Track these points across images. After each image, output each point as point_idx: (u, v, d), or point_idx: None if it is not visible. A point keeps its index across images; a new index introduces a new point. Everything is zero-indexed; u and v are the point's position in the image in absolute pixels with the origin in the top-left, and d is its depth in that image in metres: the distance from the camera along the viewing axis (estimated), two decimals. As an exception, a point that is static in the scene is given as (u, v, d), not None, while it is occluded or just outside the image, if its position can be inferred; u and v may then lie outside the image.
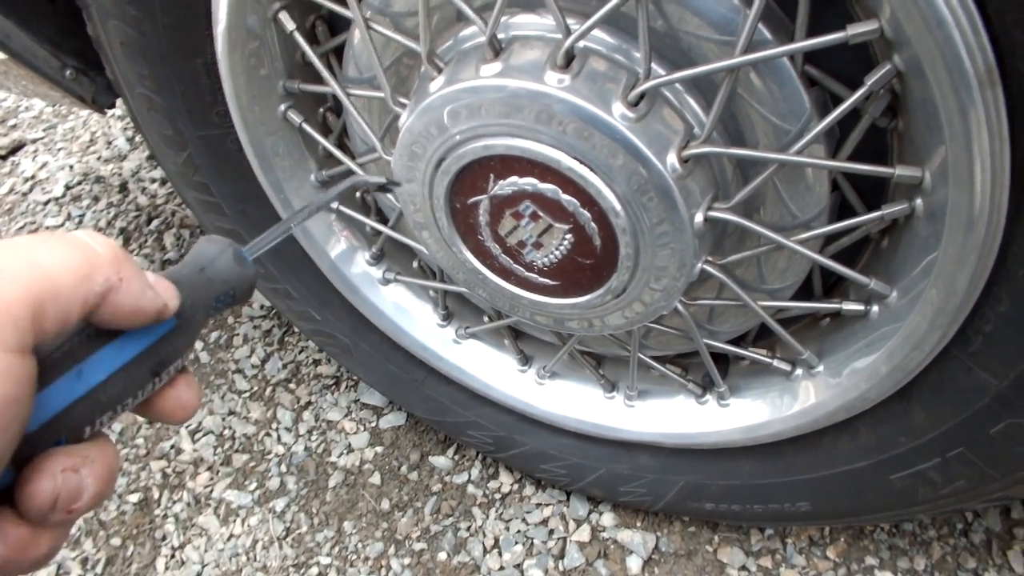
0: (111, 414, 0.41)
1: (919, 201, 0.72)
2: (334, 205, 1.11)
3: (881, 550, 1.23)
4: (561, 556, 1.28)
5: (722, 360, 1.06)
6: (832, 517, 1.08)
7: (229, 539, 1.38)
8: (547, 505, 1.34)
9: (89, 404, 0.39)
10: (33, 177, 2.32)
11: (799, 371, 0.95)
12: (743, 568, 1.23)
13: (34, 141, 2.48)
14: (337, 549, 1.34)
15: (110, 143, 2.39)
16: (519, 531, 1.32)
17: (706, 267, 0.82)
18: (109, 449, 0.40)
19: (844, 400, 0.89)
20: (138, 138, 2.37)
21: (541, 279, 0.88)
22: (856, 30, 0.61)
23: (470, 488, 1.39)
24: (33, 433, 0.37)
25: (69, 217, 2.13)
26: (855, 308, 0.85)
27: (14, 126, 2.57)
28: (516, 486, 1.38)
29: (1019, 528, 1.22)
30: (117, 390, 0.41)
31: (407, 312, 1.20)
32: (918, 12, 0.56)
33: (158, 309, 0.41)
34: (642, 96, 0.70)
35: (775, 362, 0.96)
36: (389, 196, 1.04)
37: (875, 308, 0.83)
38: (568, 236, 0.80)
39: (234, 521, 1.40)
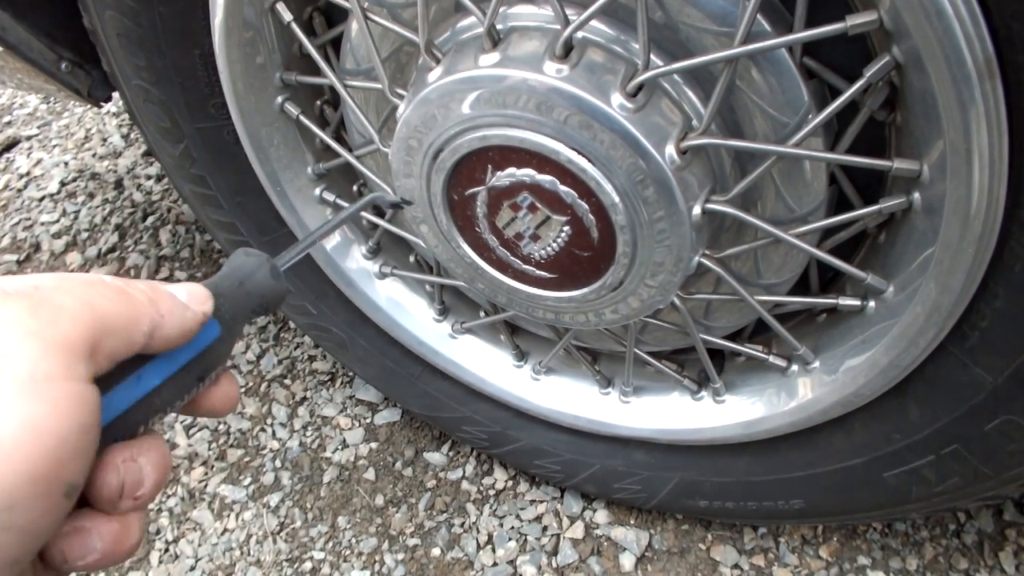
0: (161, 415, 0.45)
1: (917, 195, 0.72)
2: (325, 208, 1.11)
3: (874, 550, 1.23)
4: (554, 553, 1.28)
5: (718, 356, 1.06)
6: (826, 515, 1.08)
7: (223, 533, 1.37)
8: (541, 502, 1.34)
9: (144, 407, 0.43)
10: (28, 174, 2.31)
11: (795, 367, 0.95)
12: (736, 566, 1.23)
13: (29, 138, 2.47)
14: (331, 544, 1.34)
15: (105, 140, 2.38)
16: (513, 527, 1.31)
17: (703, 260, 0.82)
18: (159, 441, 0.44)
19: (839, 396, 0.89)
20: (133, 135, 2.36)
21: (538, 272, 0.88)
22: (855, 21, 0.61)
23: (464, 484, 1.39)
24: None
25: (64, 213, 2.13)
26: (852, 303, 0.85)
27: (9, 123, 2.56)
28: (510, 483, 1.38)
29: (1011, 529, 1.22)
30: (168, 394, 0.44)
31: (403, 307, 1.20)
32: (917, 2, 0.56)
33: (199, 323, 0.44)
34: (640, 87, 0.70)
35: (771, 358, 0.96)
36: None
37: (871, 304, 0.83)
38: (566, 228, 0.80)
39: (228, 516, 1.40)
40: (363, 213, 1.11)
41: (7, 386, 0.34)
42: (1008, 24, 0.55)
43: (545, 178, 0.77)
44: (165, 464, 0.43)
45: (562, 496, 1.34)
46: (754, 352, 0.98)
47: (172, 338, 0.42)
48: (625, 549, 1.27)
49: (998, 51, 0.57)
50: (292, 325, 1.70)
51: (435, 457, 1.43)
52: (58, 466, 0.35)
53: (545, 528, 1.31)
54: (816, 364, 0.91)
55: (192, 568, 1.34)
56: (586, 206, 0.77)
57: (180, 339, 0.43)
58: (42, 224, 2.11)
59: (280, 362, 1.63)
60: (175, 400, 0.45)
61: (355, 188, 1.16)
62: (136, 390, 0.42)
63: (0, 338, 0.35)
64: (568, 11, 0.71)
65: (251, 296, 0.49)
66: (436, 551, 1.30)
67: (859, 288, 0.84)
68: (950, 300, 0.72)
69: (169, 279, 1.89)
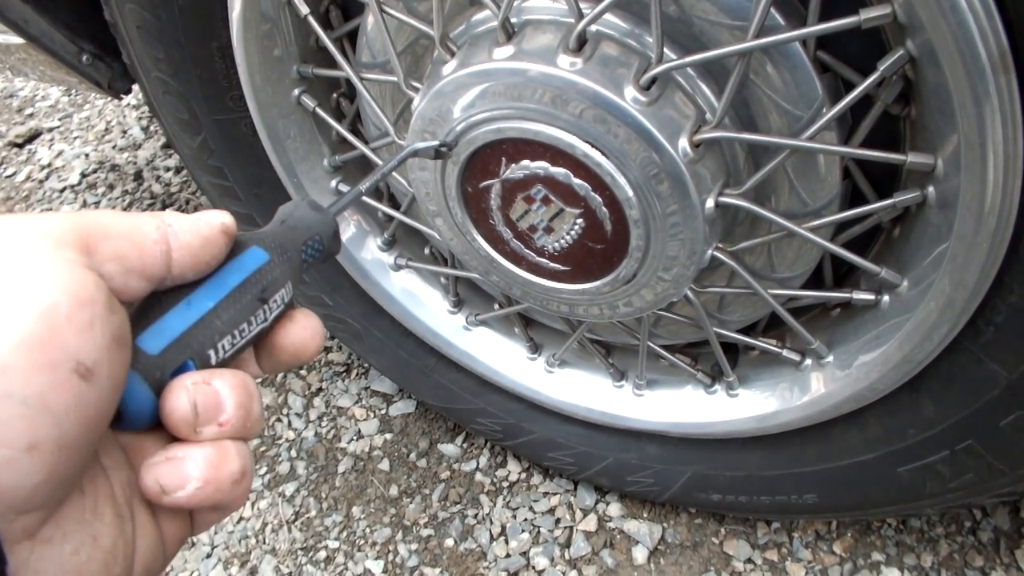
0: (231, 339, 0.44)
1: (931, 189, 0.71)
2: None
3: (888, 546, 1.22)
4: (567, 545, 1.28)
5: (731, 350, 1.06)
6: (839, 510, 1.08)
7: (239, 522, 1.39)
8: (554, 494, 1.35)
9: (205, 329, 0.43)
10: (49, 165, 2.34)
11: (809, 361, 0.95)
12: (749, 561, 1.23)
13: (50, 130, 2.50)
14: (345, 533, 1.35)
15: (125, 132, 2.40)
16: (526, 519, 1.32)
17: (717, 254, 0.82)
18: (240, 372, 0.44)
19: (853, 391, 0.88)
20: (152, 127, 2.38)
21: (552, 264, 0.88)
22: (869, 15, 0.61)
23: (478, 476, 1.39)
24: (157, 356, 0.41)
25: (85, 204, 2.15)
26: (865, 298, 0.84)
27: (31, 115, 2.59)
28: (524, 475, 1.38)
29: (1028, 525, 1.21)
30: (229, 315, 0.44)
31: (418, 298, 1.21)
32: (932, -4, 0.56)
33: (218, 232, 0.44)
34: (654, 80, 0.70)
35: (785, 352, 0.96)
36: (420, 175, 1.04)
37: (886, 298, 0.83)
38: (579, 220, 0.81)
39: (244, 504, 1.41)
40: (378, 205, 1.12)
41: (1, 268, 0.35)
42: (1023, 18, 0.55)
43: (559, 171, 0.77)
44: (247, 390, 0.43)
45: (575, 489, 1.35)
46: (768, 346, 0.98)
47: (193, 246, 0.42)
48: (638, 542, 1.27)
49: (1013, 45, 0.56)
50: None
51: (449, 448, 1.44)
52: (51, 333, 0.34)
53: (558, 520, 1.31)
54: (830, 358, 0.91)
55: (208, 556, 1.35)
56: (599, 199, 0.77)
57: (203, 249, 0.43)
58: (63, 215, 2.13)
59: (296, 353, 1.65)
60: (240, 322, 0.45)
61: (371, 180, 1.17)
62: (189, 313, 0.43)
63: (2, 234, 0.36)
64: (582, 4, 0.71)
65: (296, 230, 0.50)
66: (449, 542, 1.31)
67: (873, 283, 0.84)
68: (964, 295, 0.72)
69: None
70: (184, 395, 0.41)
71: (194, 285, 0.44)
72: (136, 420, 0.41)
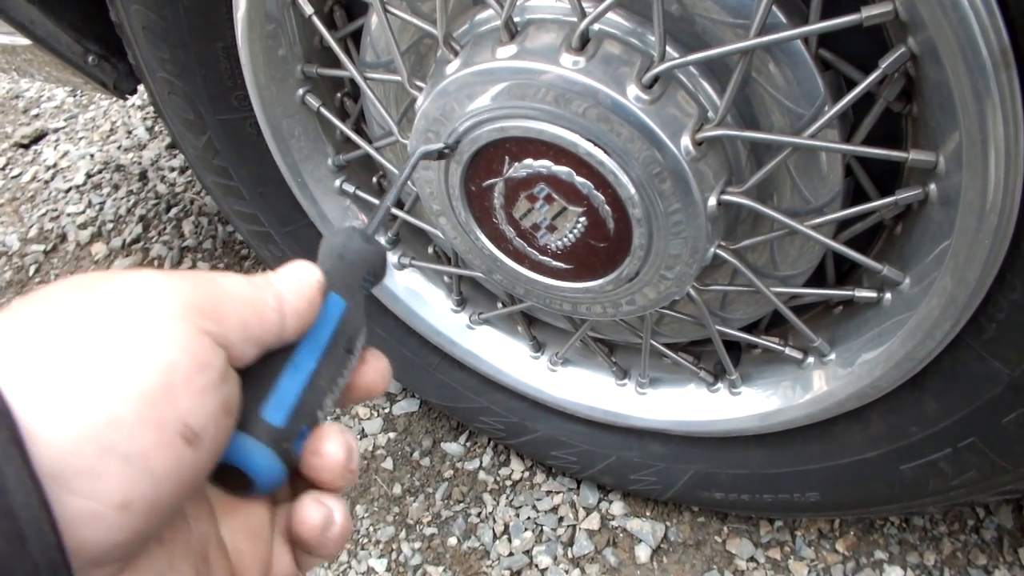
0: (331, 396, 0.46)
1: (933, 186, 0.72)
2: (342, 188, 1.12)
3: (891, 544, 1.22)
4: (570, 543, 1.28)
5: (734, 348, 1.06)
6: (842, 508, 1.08)
7: (242, 521, 1.39)
8: (557, 493, 1.35)
9: (314, 391, 0.45)
10: (55, 165, 2.35)
11: (811, 359, 0.95)
12: (752, 559, 1.24)
13: (56, 130, 2.51)
14: (349, 533, 1.35)
15: (130, 132, 2.41)
16: (529, 518, 1.32)
17: (719, 252, 0.82)
18: (341, 426, 0.47)
19: (856, 388, 0.89)
20: (157, 127, 2.39)
21: (555, 263, 0.88)
22: (870, 12, 0.62)
23: (481, 475, 1.40)
24: (283, 428, 0.43)
25: (90, 204, 2.16)
26: (868, 295, 0.85)
27: (36, 115, 2.60)
28: (527, 473, 1.39)
29: (1031, 524, 1.21)
30: (328, 371, 0.46)
31: (421, 297, 1.21)
32: (933, -6, 0.56)
33: (317, 290, 0.45)
34: (656, 79, 0.71)
35: (787, 350, 0.96)
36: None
37: (888, 296, 0.83)
38: (582, 219, 0.81)
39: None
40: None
41: (130, 318, 0.36)
42: (1024, 15, 0.55)
43: (561, 169, 0.78)
44: (354, 442, 0.46)
45: (578, 487, 1.35)
46: (770, 344, 0.98)
47: (302, 311, 0.44)
48: (641, 541, 1.27)
49: (1014, 42, 0.57)
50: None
51: (452, 447, 1.44)
52: (166, 391, 0.35)
53: (561, 519, 1.32)
54: (832, 356, 0.91)
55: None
56: (602, 197, 0.78)
57: (308, 311, 0.44)
58: (68, 215, 2.14)
59: (300, 352, 1.65)
60: (336, 377, 0.46)
61: (375, 180, 1.17)
62: (299, 376, 0.44)
63: (136, 286, 0.37)
64: (584, 3, 0.71)
65: (356, 264, 0.51)
66: (453, 540, 1.32)
67: (875, 280, 0.85)
68: (966, 292, 0.72)
69: (192, 269, 1.92)
70: (341, 444, 0.44)
71: (293, 343, 0.45)
72: (264, 491, 0.43)
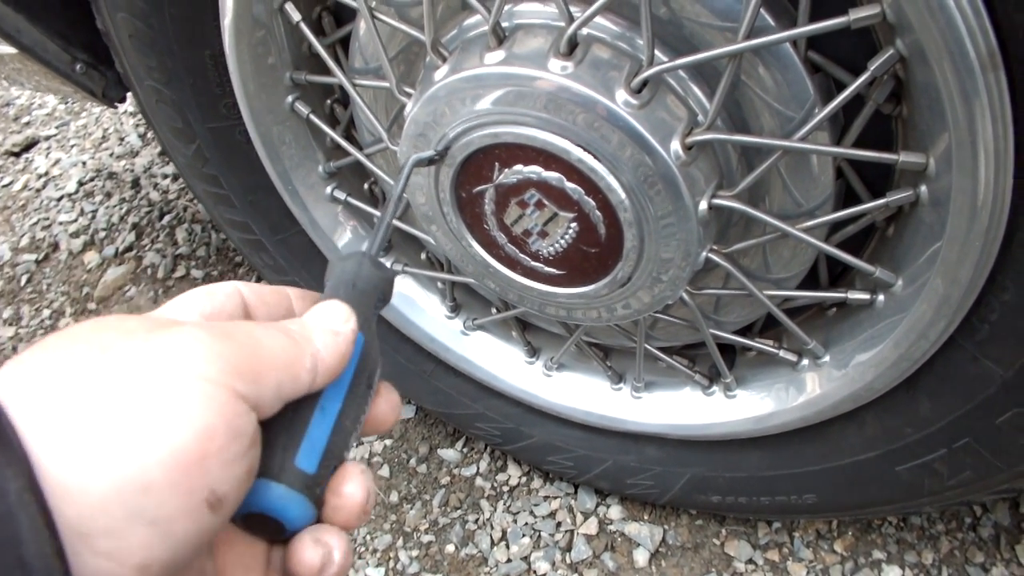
0: (355, 435, 0.47)
1: (924, 188, 0.71)
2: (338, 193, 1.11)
3: (889, 544, 1.22)
4: (568, 549, 1.28)
5: (729, 351, 1.06)
6: (838, 509, 1.08)
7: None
8: (555, 498, 1.34)
9: (341, 433, 0.45)
10: (46, 173, 2.34)
11: (805, 361, 0.95)
12: (750, 561, 1.23)
13: (47, 138, 2.50)
14: (345, 540, 1.35)
15: (122, 139, 2.41)
16: (527, 524, 1.32)
17: (711, 256, 0.82)
18: (361, 464, 0.47)
19: (850, 390, 0.88)
20: (150, 134, 2.39)
21: (547, 268, 0.88)
22: (858, 15, 0.61)
23: (478, 481, 1.39)
24: (315, 475, 0.43)
25: (82, 213, 2.15)
26: (861, 297, 0.84)
27: (28, 123, 2.59)
28: (524, 479, 1.38)
29: (1029, 522, 1.21)
30: (353, 411, 0.46)
31: (415, 303, 1.21)
32: (920, -4, 0.56)
33: (351, 343, 0.46)
34: (645, 83, 0.70)
35: (781, 353, 0.96)
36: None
37: (881, 297, 0.83)
38: (573, 224, 0.81)
39: None
40: (374, 210, 1.12)
41: (174, 378, 0.35)
42: (1011, 16, 0.55)
43: (552, 175, 0.77)
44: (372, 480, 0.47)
45: (576, 492, 1.35)
46: (764, 347, 0.98)
47: (332, 369, 0.44)
48: (639, 545, 1.27)
49: (1001, 44, 0.56)
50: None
51: (449, 454, 1.44)
52: (201, 459, 0.35)
53: (559, 524, 1.31)
54: (826, 358, 0.91)
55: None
56: (593, 202, 0.77)
57: (339, 367, 0.44)
58: (60, 224, 2.13)
59: (295, 359, 1.64)
60: (359, 415, 0.47)
61: (366, 186, 1.17)
62: (327, 419, 0.44)
63: (181, 344, 0.37)
64: (572, 8, 0.71)
65: (368, 293, 0.50)
66: (450, 548, 1.31)
67: (868, 282, 0.84)
68: (959, 293, 0.72)
69: (185, 277, 1.91)
70: (361, 485, 0.45)
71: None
72: (291, 533, 0.43)
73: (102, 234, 2.08)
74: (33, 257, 2.04)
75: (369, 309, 0.50)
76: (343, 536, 0.44)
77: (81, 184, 2.25)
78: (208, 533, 0.36)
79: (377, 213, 1.12)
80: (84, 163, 2.33)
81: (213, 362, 0.37)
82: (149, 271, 1.94)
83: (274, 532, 0.43)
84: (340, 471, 0.45)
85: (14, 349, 1.82)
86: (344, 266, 0.51)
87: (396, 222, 1.10)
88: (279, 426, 0.42)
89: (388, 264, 1.19)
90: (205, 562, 0.42)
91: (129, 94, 1.24)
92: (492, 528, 1.33)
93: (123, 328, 0.37)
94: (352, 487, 0.45)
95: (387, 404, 0.51)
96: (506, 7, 0.77)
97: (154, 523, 0.33)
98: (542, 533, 1.30)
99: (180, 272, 1.93)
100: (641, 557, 1.25)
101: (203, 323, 0.40)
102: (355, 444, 0.48)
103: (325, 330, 0.44)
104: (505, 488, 1.38)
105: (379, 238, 0.55)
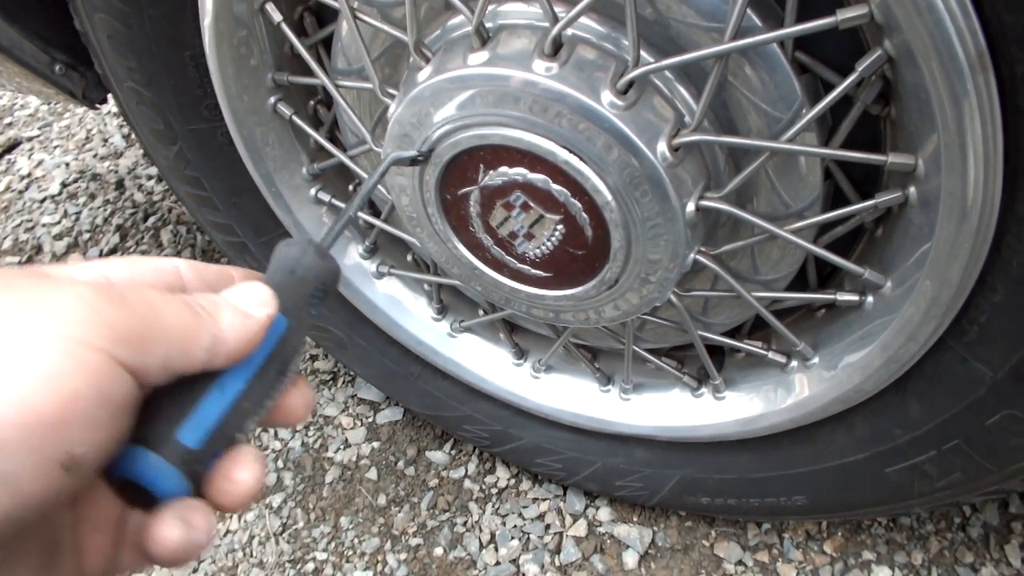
0: (255, 417, 0.45)
1: (913, 189, 0.71)
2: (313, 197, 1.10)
3: (878, 544, 1.22)
4: (557, 551, 1.27)
5: (717, 353, 1.05)
6: (828, 511, 1.07)
7: (225, 535, 1.38)
8: (543, 500, 1.34)
9: (237, 414, 0.43)
10: (29, 175, 2.31)
11: (794, 363, 0.94)
12: (740, 563, 1.23)
13: (30, 139, 2.47)
14: (333, 544, 1.34)
15: (106, 140, 2.38)
16: (515, 526, 1.31)
17: (699, 257, 0.81)
18: (254, 448, 0.45)
19: (839, 392, 0.88)
20: (133, 135, 2.36)
21: (534, 271, 0.87)
22: (846, 15, 0.60)
23: (467, 483, 1.38)
24: (198, 451, 0.42)
25: (66, 215, 2.13)
26: (850, 299, 0.84)
27: (10, 124, 2.57)
28: (512, 481, 1.37)
29: (1017, 522, 1.21)
30: (256, 395, 0.45)
31: (401, 306, 1.20)
32: (908, -4, 0.55)
33: (262, 328, 0.44)
34: (631, 84, 0.69)
35: (770, 354, 0.96)
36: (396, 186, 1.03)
37: (870, 299, 0.82)
38: (559, 227, 0.80)
39: (230, 517, 1.40)
40: (359, 213, 1.11)
41: (44, 338, 0.35)
42: (1000, 17, 0.54)
43: (537, 177, 0.76)
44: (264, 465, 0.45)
45: (564, 494, 1.34)
46: (753, 348, 0.97)
47: (235, 352, 0.43)
48: (628, 547, 1.26)
49: (990, 44, 0.56)
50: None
51: (437, 456, 1.43)
52: (59, 422, 0.34)
53: (548, 526, 1.31)
54: (815, 360, 0.90)
55: (195, 570, 1.34)
56: (579, 204, 0.76)
57: (244, 351, 0.43)
58: (44, 226, 2.11)
59: (282, 362, 1.63)
60: (264, 400, 0.45)
61: (351, 188, 1.16)
62: (224, 398, 0.43)
63: (61, 303, 0.36)
64: (557, 8, 0.70)
65: (306, 281, 0.49)
66: (439, 551, 1.30)
67: (857, 283, 0.84)
68: (948, 295, 0.71)
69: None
70: (253, 473, 0.43)
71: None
72: (162, 504, 0.42)
73: (86, 236, 2.05)
74: (16, 260, 2.02)
75: (302, 297, 0.49)
76: (210, 518, 0.43)
77: (64, 185, 2.23)
78: (60, 492, 0.35)
79: (361, 214, 1.11)
80: (67, 164, 2.31)
81: (91, 324, 0.36)
82: (134, 273, 1.92)
83: (146, 501, 0.41)
84: (236, 455, 0.43)
85: None
86: (288, 251, 0.50)
87: (382, 224, 1.09)
88: (169, 397, 0.41)
89: (374, 266, 1.17)
90: (64, 513, 0.41)
91: (110, 96, 1.23)
92: (481, 531, 1.32)
93: (8, 283, 0.37)
94: (244, 473, 0.43)
95: (301, 398, 0.49)
96: (490, 7, 0.76)
97: (1, 479, 0.33)
98: (531, 535, 1.30)
99: (165, 274, 1.91)
100: (630, 559, 1.25)
101: (98, 284, 0.38)
102: (255, 428, 0.46)
103: (236, 311, 0.43)
104: (494, 490, 1.37)
105: (336, 230, 0.54)
